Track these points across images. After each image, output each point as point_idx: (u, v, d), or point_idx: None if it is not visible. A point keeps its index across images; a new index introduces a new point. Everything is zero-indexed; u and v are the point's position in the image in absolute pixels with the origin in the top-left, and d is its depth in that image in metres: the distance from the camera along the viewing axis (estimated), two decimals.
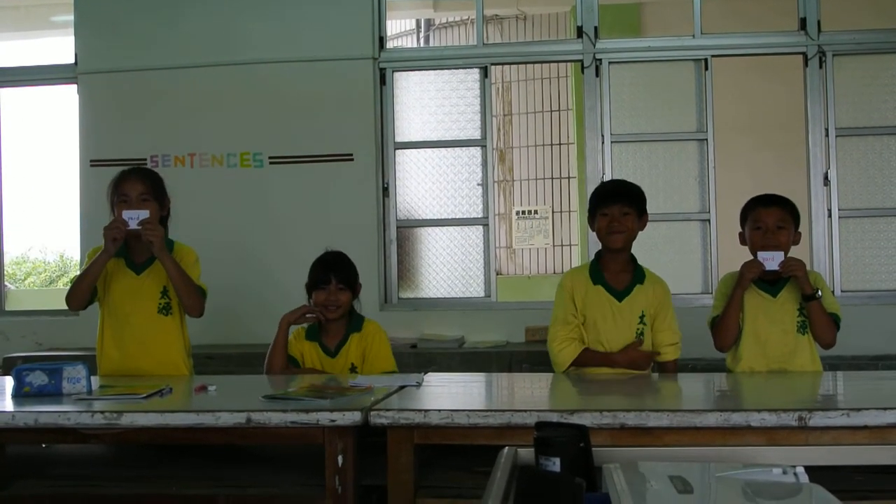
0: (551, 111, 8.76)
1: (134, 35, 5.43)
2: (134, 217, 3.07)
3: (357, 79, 5.31)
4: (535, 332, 5.03)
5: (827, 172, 5.16)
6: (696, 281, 5.22)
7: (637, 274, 3.21)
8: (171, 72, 5.38)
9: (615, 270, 3.20)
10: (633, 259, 3.25)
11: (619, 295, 3.17)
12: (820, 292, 3.01)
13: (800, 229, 3.18)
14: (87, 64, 5.49)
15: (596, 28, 5.31)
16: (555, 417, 2.17)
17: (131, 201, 3.13)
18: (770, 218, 3.10)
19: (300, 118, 5.29)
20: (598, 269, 3.21)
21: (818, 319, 3.02)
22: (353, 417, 2.26)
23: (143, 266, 3.25)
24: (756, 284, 3.09)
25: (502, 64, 6.21)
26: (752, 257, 3.09)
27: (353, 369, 3.28)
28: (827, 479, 1.48)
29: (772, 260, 2.98)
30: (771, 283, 3.11)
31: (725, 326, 3.09)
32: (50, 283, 11.92)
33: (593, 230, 3.26)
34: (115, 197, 3.17)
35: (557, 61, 6.98)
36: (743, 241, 3.20)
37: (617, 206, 3.15)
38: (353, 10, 5.32)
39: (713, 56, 5.26)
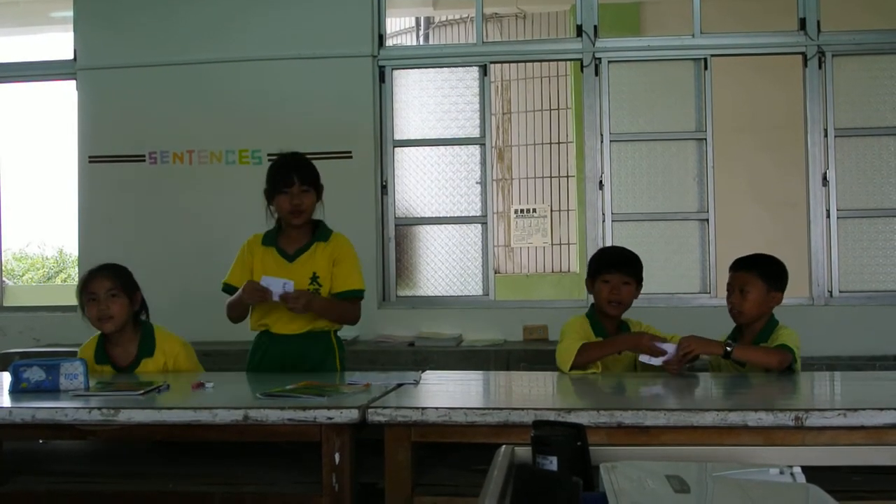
0: (550, 110, 8.74)
1: (133, 31, 5.43)
2: (276, 285, 2.99)
3: (356, 76, 5.31)
4: (532, 331, 5.04)
5: (825, 173, 5.16)
6: (695, 280, 5.22)
7: (623, 327, 3.29)
8: (170, 68, 5.38)
9: (612, 330, 3.28)
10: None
11: None
12: (730, 347, 2.92)
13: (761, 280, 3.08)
14: (86, 60, 5.48)
15: (595, 27, 5.31)
16: (552, 416, 2.17)
17: (100, 299, 3.04)
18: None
19: (299, 115, 5.28)
20: (599, 322, 3.26)
21: (752, 359, 2.95)
22: (350, 415, 2.26)
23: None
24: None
25: (502, 62, 6.19)
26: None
27: (314, 278, 3.14)
28: (824, 480, 1.48)
29: (664, 354, 2.94)
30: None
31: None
32: (48, 279, 11.89)
33: (590, 292, 3.32)
34: (84, 296, 3.07)
35: (557, 60, 6.97)
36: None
37: (619, 274, 3.22)
38: (352, 8, 5.32)
39: (712, 56, 5.26)
